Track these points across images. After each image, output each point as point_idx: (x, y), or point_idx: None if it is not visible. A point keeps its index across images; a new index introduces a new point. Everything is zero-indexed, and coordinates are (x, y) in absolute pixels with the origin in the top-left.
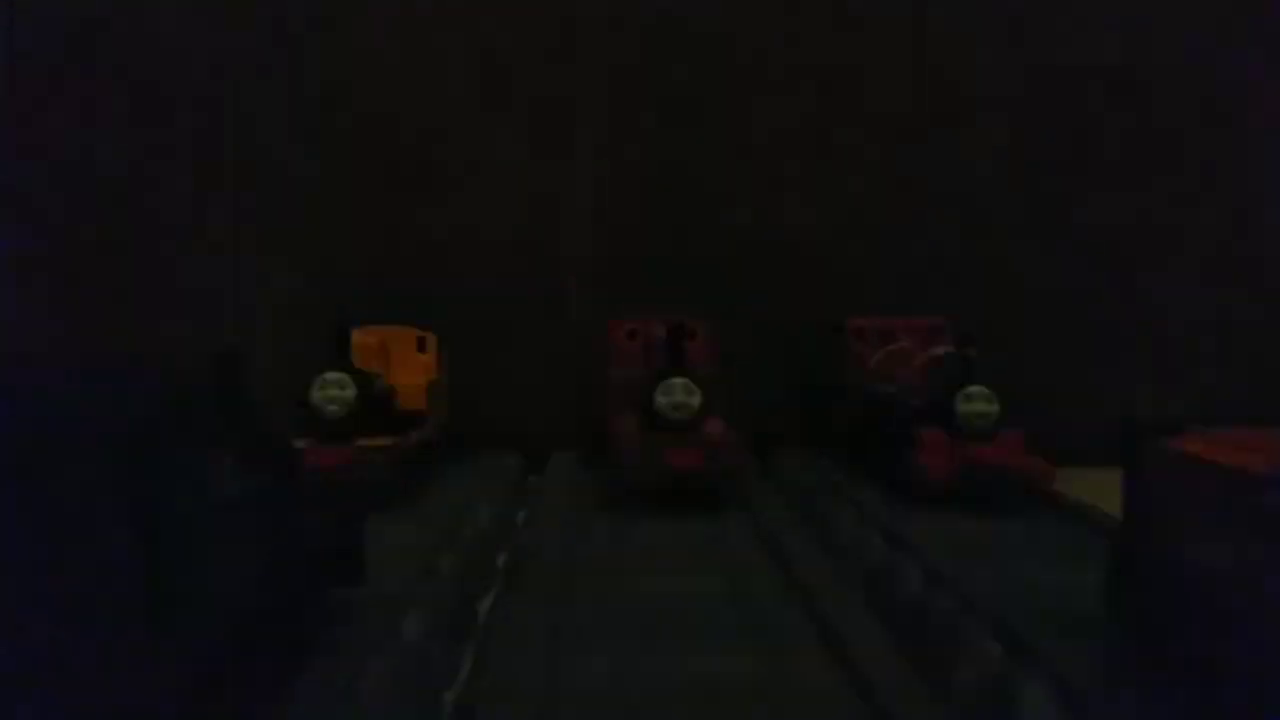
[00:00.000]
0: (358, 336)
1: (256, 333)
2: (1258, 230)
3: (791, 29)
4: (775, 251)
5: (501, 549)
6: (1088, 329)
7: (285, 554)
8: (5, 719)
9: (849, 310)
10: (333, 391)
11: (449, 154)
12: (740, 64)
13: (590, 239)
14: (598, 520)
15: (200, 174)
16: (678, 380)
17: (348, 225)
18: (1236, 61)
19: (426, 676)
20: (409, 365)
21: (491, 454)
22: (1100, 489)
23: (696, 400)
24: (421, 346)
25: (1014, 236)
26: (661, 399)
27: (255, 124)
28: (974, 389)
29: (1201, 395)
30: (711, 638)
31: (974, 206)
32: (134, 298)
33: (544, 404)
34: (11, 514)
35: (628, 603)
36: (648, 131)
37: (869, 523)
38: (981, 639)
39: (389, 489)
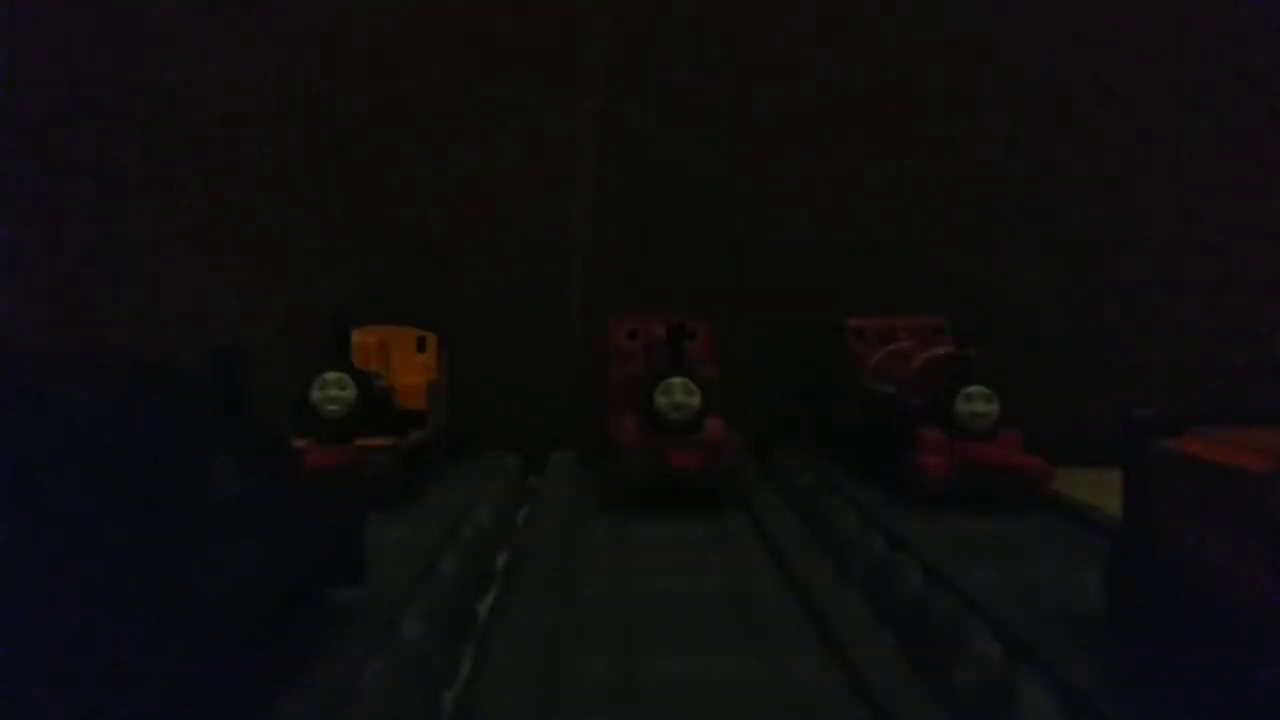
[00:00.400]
0: (358, 336)
1: (256, 333)
2: (1258, 231)
3: (791, 29)
4: (775, 251)
5: (501, 549)
6: (1087, 329)
7: (285, 554)
8: (6, 719)
9: (849, 310)
10: (333, 391)
11: (449, 154)
12: (740, 64)
13: (590, 239)
14: (598, 520)
15: (200, 174)
16: (678, 380)
17: (348, 225)
18: (1238, 65)
19: (426, 676)
20: (409, 365)
21: (491, 454)
22: (1100, 489)
23: (696, 400)
24: (421, 346)
25: (1014, 237)
26: (661, 399)
27: (255, 124)
28: (974, 389)
29: (1201, 395)
30: (711, 638)
31: (973, 207)
32: (134, 298)
33: (544, 404)
34: (12, 514)
35: (628, 603)
36: (648, 131)
37: (869, 523)
38: (981, 639)
39: (389, 489)
